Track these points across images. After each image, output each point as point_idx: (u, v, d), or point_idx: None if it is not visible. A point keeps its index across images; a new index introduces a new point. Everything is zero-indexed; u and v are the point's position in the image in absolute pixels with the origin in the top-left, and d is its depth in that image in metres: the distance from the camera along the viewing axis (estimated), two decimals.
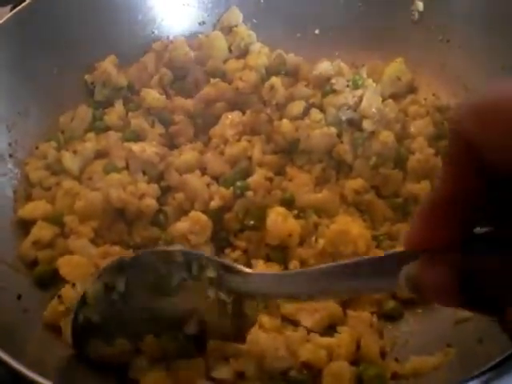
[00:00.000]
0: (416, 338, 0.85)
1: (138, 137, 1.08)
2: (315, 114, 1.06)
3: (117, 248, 0.91)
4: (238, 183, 0.96)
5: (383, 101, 1.06)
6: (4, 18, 1.09)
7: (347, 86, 1.08)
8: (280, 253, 0.93)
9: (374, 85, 1.10)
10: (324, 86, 1.09)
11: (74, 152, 1.05)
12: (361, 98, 1.04)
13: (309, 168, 1.02)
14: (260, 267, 0.90)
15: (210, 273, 0.76)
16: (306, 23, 1.26)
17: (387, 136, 0.99)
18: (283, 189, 0.99)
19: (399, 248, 0.72)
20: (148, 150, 1.02)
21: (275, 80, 1.11)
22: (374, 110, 1.02)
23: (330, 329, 0.84)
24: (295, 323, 0.85)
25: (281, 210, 0.93)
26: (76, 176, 1.04)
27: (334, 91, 1.08)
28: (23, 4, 1.11)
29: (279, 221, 0.92)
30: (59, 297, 0.84)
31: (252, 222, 0.94)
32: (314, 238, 0.93)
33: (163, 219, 0.97)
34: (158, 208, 0.97)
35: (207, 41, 1.22)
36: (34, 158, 1.07)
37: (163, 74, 1.18)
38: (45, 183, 1.04)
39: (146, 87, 1.15)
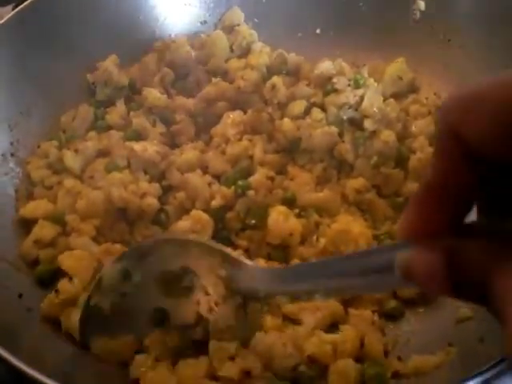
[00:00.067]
0: (417, 337, 0.85)
1: (139, 136, 1.08)
2: (316, 113, 1.06)
3: (118, 246, 0.91)
4: (240, 182, 0.96)
5: (384, 100, 1.06)
6: (6, 18, 1.09)
7: (348, 85, 1.08)
8: (281, 252, 0.93)
9: (376, 84, 1.10)
10: (325, 85, 1.09)
11: (76, 151, 1.05)
12: (362, 98, 1.04)
13: (310, 167, 1.03)
14: None
15: (221, 272, 0.77)
16: (307, 23, 1.26)
17: (388, 135, 0.99)
18: (284, 188, 0.99)
19: None
20: (149, 149, 1.02)
21: (276, 79, 1.11)
22: (375, 109, 1.02)
23: (332, 327, 0.84)
24: (297, 322, 0.85)
25: (282, 209, 0.93)
26: (77, 175, 1.04)
27: (335, 90, 1.08)
28: (25, 3, 1.11)
29: (280, 220, 0.92)
30: (56, 290, 0.85)
31: (253, 221, 0.94)
32: (315, 237, 0.93)
33: (164, 218, 0.97)
34: (159, 207, 0.97)
35: (209, 40, 1.22)
36: (35, 157, 1.07)
37: (165, 73, 1.18)
38: (46, 182, 1.04)
39: (148, 86, 1.15)
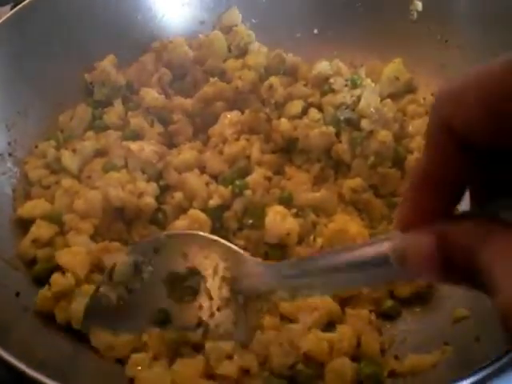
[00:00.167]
0: (414, 337, 0.85)
1: (137, 136, 1.08)
2: (314, 113, 1.06)
3: (117, 244, 0.92)
4: (237, 182, 0.96)
5: (381, 100, 1.06)
6: (3, 18, 1.09)
7: (346, 85, 1.08)
8: (278, 251, 0.93)
9: (373, 84, 1.10)
10: (322, 85, 1.10)
11: (74, 151, 1.05)
12: (359, 98, 1.04)
13: (307, 167, 1.03)
14: None
15: (226, 273, 0.78)
16: (304, 23, 1.26)
17: (385, 135, 1.00)
18: (282, 188, 0.99)
19: None
20: (147, 148, 1.02)
21: (274, 79, 1.11)
22: (372, 109, 1.02)
23: (329, 326, 0.84)
24: (294, 322, 0.85)
25: (279, 208, 0.94)
26: (75, 175, 1.04)
27: (332, 91, 1.08)
28: (23, 3, 1.11)
29: (278, 219, 0.92)
30: (49, 284, 0.85)
31: (251, 221, 0.94)
32: (312, 237, 0.94)
33: (162, 218, 0.97)
34: (156, 206, 0.97)
35: (207, 40, 1.22)
36: (33, 156, 1.07)
37: (162, 73, 1.18)
38: (44, 182, 1.04)
39: (146, 87, 1.15)
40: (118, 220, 0.97)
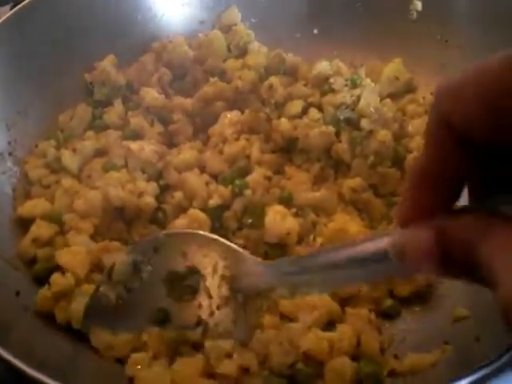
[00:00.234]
0: (413, 336, 0.85)
1: (137, 136, 1.08)
2: (313, 113, 1.06)
3: (117, 243, 0.92)
4: (237, 182, 0.96)
5: (381, 100, 1.06)
6: (3, 18, 1.09)
7: (345, 85, 1.08)
8: (278, 251, 0.93)
9: (373, 84, 1.10)
10: (322, 85, 1.10)
11: (74, 150, 1.05)
12: (359, 98, 1.04)
13: (307, 167, 1.03)
14: None
15: (225, 272, 0.78)
16: (305, 23, 1.26)
17: (385, 135, 1.00)
18: (281, 187, 0.99)
19: None
20: (147, 148, 1.02)
21: (274, 79, 1.11)
22: (371, 109, 1.02)
23: (329, 325, 0.84)
24: (294, 321, 0.85)
25: (279, 208, 0.94)
26: (75, 174, 1.04)
27: (332, 91, 1.08)
28: (23, 3, 1.11)
29: (278, 219, 0.92)
30: (49, 283, 0.85)
31: (250, 221, 0.94)
32: (312, 237, 0.94)
33: (162, 217, 0.98)
34: (156, 206, 0.97)
35: (206, 40, 1.22)
36: (33, 156, 1.07)
37: (162, 73, 1.18)
38: (44, 181, 1.04)
39: (146, 86, 1.16)
40: (118, 219, 0.97)
